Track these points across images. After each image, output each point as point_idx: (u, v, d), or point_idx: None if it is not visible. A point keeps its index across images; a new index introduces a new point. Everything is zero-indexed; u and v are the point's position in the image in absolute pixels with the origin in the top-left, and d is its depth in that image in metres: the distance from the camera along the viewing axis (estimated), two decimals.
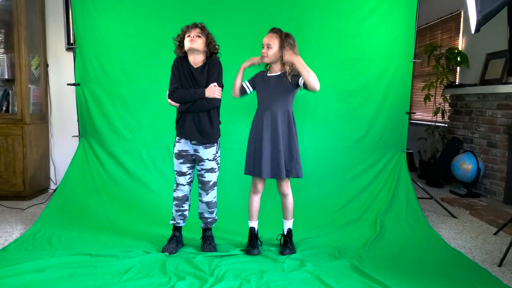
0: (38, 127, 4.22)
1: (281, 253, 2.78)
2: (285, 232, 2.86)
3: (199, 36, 2.63)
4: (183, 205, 2.81)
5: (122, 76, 3.64)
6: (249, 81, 2.81)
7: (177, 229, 2.87)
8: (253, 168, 2.74)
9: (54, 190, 3.66)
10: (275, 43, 2.64)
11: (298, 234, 3.01)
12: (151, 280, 2.34)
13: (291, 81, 2.67)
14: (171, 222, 2.86)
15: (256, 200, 2.83)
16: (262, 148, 2.68)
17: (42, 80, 4.28)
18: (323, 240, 3.04)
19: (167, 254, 2.71)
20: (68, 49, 4.27)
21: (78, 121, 3.75)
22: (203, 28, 2.67)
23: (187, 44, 2.64)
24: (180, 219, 2.84)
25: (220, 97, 2.68)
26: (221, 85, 2.70)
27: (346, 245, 2.95)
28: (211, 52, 2.71)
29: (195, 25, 2.67)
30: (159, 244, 2.87)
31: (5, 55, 4.04)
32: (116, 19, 3.61)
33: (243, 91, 2.82)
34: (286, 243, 2.83)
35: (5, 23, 4.03)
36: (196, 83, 2.68)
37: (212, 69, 2.67)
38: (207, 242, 2.84)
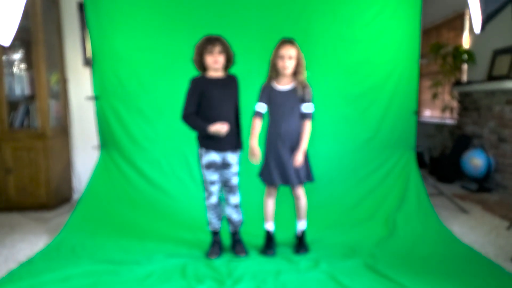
0: (60, 140, 4.37)
1: (296, 253, 2.87)
2: (299, 233, 2.94)
3: (220, 53, 2.68)
4: (217, 209, 2.88)
5: (139, 88, 3.77)
6: (261, 102, 2.80)
7: (216, 234, 2.94)
8: (268, 177, 2.82)
9: (77, 201, 3.77)
10: (295, 54, 2.70)
11: (312, 235, 3.07)
12: (172, 285, 2.42)
13: (301, 95, 2.76)
14: (210, 228, 2.92)
15: (271, 202, 2.91)
16: (275, 157, 2.77)
17: (62, 95, 4.44)
18: (336, 240, 3.10)
19: (211, 257, 2.80)
20: (85, 64, 4.43)
21: (98, 133, 3.88)
22: (224, 44, 2.69)
23: (212, 65, 2.69)
24: (218, 222, 2.90)
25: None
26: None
27: (359, 244, 3.00)
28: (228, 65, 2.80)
29: (215, 41, 2.67)
30: (180, 249, 2.96)
31: (25, 72, 4.21)
32: (130, 34, 3.74)
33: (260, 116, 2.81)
34: (300, 244, 2.92)
35: (24, 42, 4.17)
36: (222, 94, 2.74)
37: (236, 88, 2.82)
38: (238, 246, 2.91)
